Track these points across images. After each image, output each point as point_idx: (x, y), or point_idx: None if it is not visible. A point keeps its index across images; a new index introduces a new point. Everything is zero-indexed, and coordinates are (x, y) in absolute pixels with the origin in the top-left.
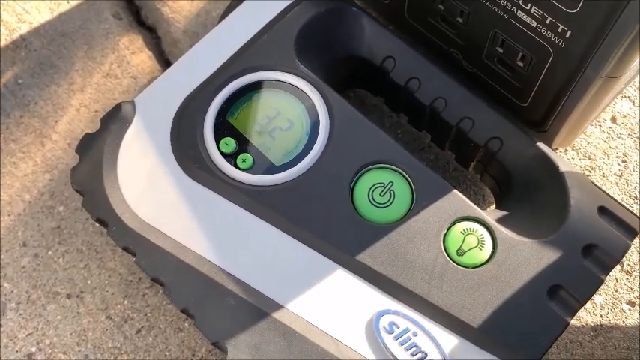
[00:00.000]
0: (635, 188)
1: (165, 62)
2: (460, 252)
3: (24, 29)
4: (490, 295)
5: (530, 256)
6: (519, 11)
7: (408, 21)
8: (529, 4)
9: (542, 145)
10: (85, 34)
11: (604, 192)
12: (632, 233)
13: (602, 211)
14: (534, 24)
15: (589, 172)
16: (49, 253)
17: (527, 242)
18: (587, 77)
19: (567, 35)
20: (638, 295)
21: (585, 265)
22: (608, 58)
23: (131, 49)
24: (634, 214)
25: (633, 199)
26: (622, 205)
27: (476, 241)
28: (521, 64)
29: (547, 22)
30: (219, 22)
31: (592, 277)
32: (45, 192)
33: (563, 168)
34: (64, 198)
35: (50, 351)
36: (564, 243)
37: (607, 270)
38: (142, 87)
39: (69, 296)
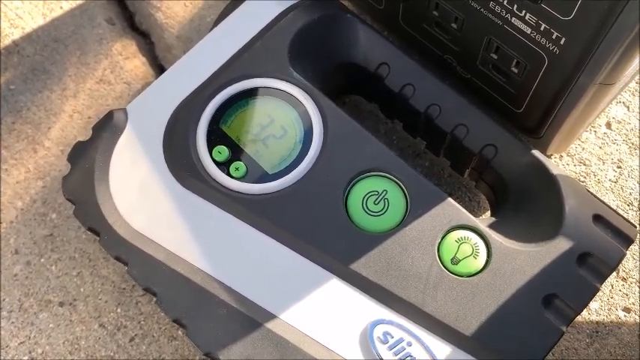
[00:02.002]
0: (631, 194)
1: (158, 68)
2: (454, 261)
3: (16, 35)
4: (485, 305)
5: (525, 265)
6: (514, 18)
7: (403, 27)
8: (523, 11)
9: (537, 153)
10: (77, 39)
11: (599, 199)
12: (627, 241)
13: (598, 219)
14: (529, 31)
15: (584, 177)
16: (42, 260)
17: (522, 251)
18: (581, 84)
19: (562, 42)
20: (633, 301)
21: (580, 273)
22: (602, 65)
23: (124, 54)
24: (630, 222)
25: (628, 205)
26: (617, 213)
27: (470, 250)
28: (515, 71)
29: (541, 28)
30: (213, 27)
31: (587, 285)
32: (37, 199)
33: (558, 175)
34: (56, 205)
35: None
36: (559, 251)
37: (602, 278)
38: (136, 93)
39: (61, 304)
